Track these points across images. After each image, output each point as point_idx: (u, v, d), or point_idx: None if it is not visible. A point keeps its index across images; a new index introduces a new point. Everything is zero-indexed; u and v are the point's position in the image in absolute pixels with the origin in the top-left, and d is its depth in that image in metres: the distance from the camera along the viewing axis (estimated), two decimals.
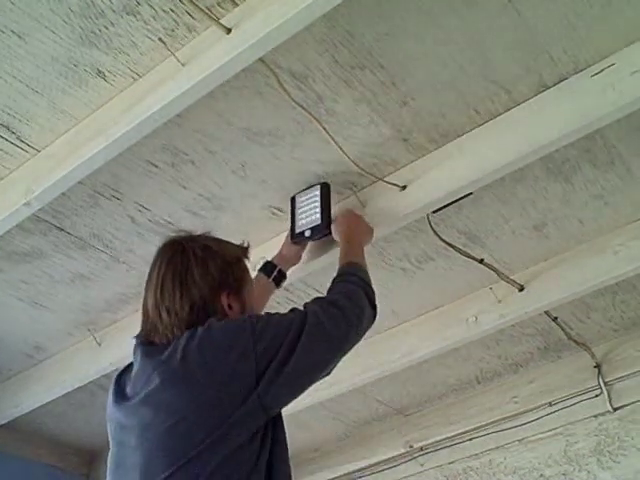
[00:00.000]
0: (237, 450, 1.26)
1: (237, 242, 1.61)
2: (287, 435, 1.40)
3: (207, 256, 1.46)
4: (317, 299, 1.54)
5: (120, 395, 1.41)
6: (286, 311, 1.49)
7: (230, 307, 1.46)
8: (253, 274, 2.15)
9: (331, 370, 1.47)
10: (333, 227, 1.96)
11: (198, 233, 1.56)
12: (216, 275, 1.45)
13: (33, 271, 2.37)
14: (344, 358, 1.50)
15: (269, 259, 2.02)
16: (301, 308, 1.49)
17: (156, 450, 1.27)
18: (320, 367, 1.42)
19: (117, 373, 1.49)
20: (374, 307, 1.61)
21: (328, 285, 1.66)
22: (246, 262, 1.57)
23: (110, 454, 1.39)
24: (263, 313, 1.47)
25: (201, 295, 1.41)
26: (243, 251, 1.58)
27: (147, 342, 1.44)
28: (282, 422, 1.40)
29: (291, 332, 1.37)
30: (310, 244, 2.07)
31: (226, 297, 1.45)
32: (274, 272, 1.97)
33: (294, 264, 2.06)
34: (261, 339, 1.33)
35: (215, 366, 1.30)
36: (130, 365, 1.47)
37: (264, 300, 1.96)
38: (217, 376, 1.29)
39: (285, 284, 2.06)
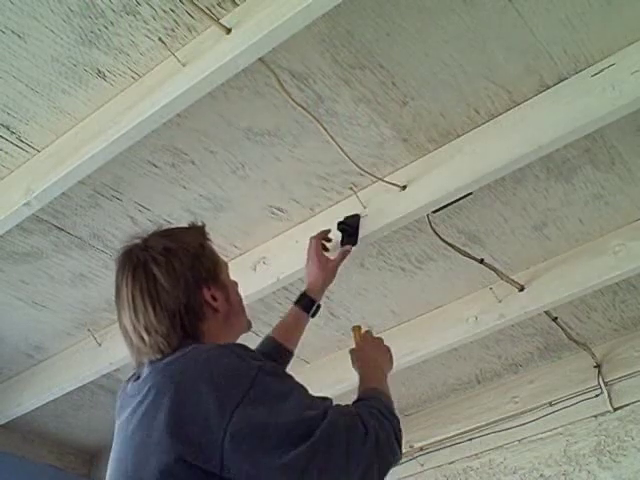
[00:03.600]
0: None
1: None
2: None
3: (170, 259, 1.33)
4: (349, 410, 1.23)
5: (120, 405, 1.34)
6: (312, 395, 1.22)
7: (215, 298, 1.35)
8: (254, 274, 2.15)
9: None
10: (352, 356, 1.71)
11: (150, 232, 1.42)
12: (187, 274, 1.33)
13: (33, 271, 2.37)
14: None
15: (305, 290, 1.87)
16: (328, 405, 1.20)
17: (134, 461, 1.16)
18: None
19: (125, 381, 1.39)
20: (400, 446, 1.28)
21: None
22: (209, 242, 1.44)
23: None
24: (286, 380, 1.22)
25: (178, 302, 1.30)
26: (201, 234, 1.44)
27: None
28: None
29: (293, 423, 1.11)
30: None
31: (208, 291, 1.34)
32: (313, 307, 1.84)
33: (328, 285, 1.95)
34: (256, 407, 1.11)
35: (195, 402, 1.12)
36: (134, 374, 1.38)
37: (299, 334, 1.84)
38: (194, 412, 1.12)
39: (286, 283, 2.04)
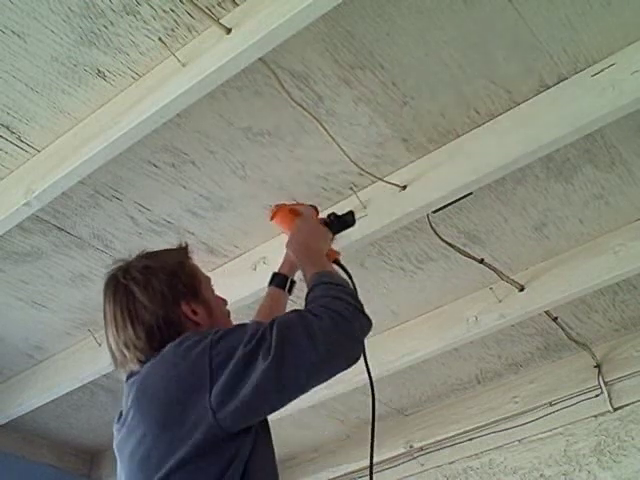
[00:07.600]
0: (201, 470, 1.19)
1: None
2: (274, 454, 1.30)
3: (148, 276, 1.40)
4: (294, 310, 1.31)
5: (118, 420, 1.41)
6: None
7: (195, 312, 1.40)
8: (254, 273, 2.15)
9: (305, 392, 1.27)
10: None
11: (134, 256, 1.48)
12: (165, 290, 1.39)
13: (33, 271, 2.37)
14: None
15: (276, 271, 1.86)
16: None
17: (128, 474, 1.27)
18: (287, 394, 1.23)
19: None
20: (364, 313, 1.38)
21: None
22: (191, 261, 1.50)
23: None
24: (235, 325, 1.37)
25: (156, 317, 1.36)
26: (183, 253, 1.50)
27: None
28: (264, 441, 1.28)
29: (249, 346, 1.21)
30: None
31: (187, 305, 1.39)
32: (287, 284, 1.83)
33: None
34: (218, 353, 1.22)
35: (169, 383, 1.26)
36: None
37: (282, 312, 1.79)
38: (171, 393, 1.25)
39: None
